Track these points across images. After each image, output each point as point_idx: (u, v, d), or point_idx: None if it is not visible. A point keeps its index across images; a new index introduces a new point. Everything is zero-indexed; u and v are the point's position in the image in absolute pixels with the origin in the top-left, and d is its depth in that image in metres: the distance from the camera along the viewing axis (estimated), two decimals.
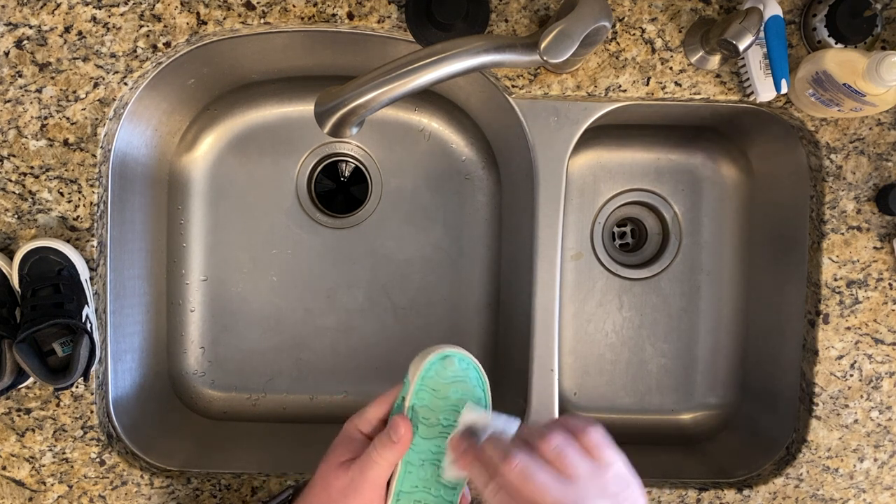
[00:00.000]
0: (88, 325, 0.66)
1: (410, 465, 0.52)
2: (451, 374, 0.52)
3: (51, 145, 0.69)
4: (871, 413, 0.73)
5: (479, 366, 0.54)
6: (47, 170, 0.69)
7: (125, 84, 0.69)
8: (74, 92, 0.69)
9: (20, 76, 0.69)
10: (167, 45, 0.69)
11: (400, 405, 0.53)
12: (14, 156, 0.69)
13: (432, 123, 0.89)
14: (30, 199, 0.69)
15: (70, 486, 0.71)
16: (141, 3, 0.69)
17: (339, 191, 0.93)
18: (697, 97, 0.72)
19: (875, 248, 0.73)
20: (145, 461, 0.73)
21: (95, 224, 0.70)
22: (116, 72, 0.69)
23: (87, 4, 0.69)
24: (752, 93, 0.69)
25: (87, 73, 0.69)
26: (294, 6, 0.69)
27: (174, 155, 0.86)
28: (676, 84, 0.71)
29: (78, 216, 0.69)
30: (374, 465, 0.51)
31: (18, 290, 0.66)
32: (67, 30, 0.69)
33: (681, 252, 0.90)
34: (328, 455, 0.54)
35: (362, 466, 0.51)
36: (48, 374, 0.63)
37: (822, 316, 0.73)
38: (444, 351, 0.53)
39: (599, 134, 0.88)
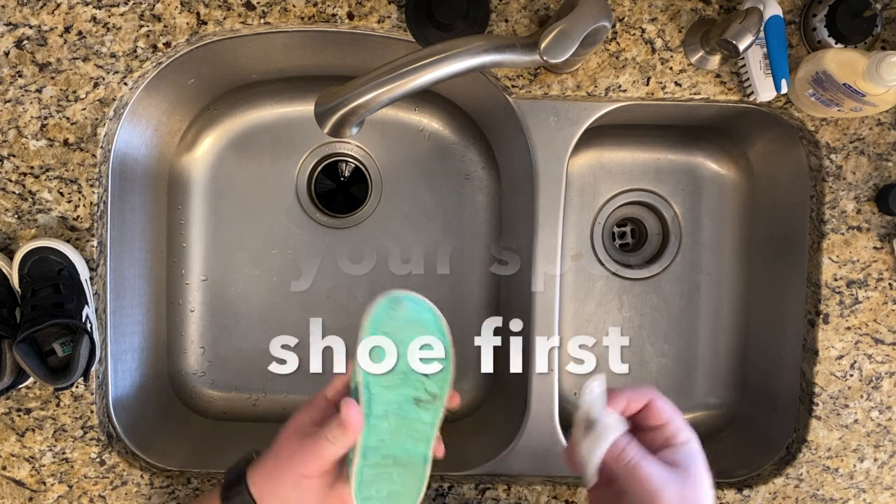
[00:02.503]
0: (88, 325, 0.66)
1: (374, 417, 0.51)
2: (402, 315, 0.52)
3: (51, 145, 0.69)
4: (871, 413, 0.73)
5: (434, 307, 0.53)
6: (47, 170, 0.69)
7: (125, 84, 0.69)
8: (74, 92, 0.69)
9: (20, 76, 0.69)
10: (167, 45, 0.69)
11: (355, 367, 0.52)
12: (14, 156, 0.69)
13: (432, 123, 0.88)
14: (30, 199, 0.69)
15: (70, 486, 0.71)
16: (141, 3, 0.69)
17: (339, 191, 0.93)
18: (697, 97, 0.72)
19: (875, 248, 0.73)
20: (145, 461, 0.73)
21: (95, 224, 0.70)
22: (116, 72, 0.69)
23: (87, 4, 0.69)
24: (752, 93, 0.69)
25: (87, 73, 0.69)
26: (294, 6, 0.69)
27: (174, 155, 0.85)
28: (676, 84, 0.71)
29: (78, 216, 0.69)
30: (328, 445, 0.52)
31: (18, 290, 0.66)
32: (67, 30, 0.69)
33: (681, 252, 0.90)
34: (290, 419, 0.56)
35: (314, 445, 0.52)
36: (48, 374, 0.63)
37: (822, 316, 0.73)
38: (394, 294, 0.53)
39: (599, 134, 0.88)
